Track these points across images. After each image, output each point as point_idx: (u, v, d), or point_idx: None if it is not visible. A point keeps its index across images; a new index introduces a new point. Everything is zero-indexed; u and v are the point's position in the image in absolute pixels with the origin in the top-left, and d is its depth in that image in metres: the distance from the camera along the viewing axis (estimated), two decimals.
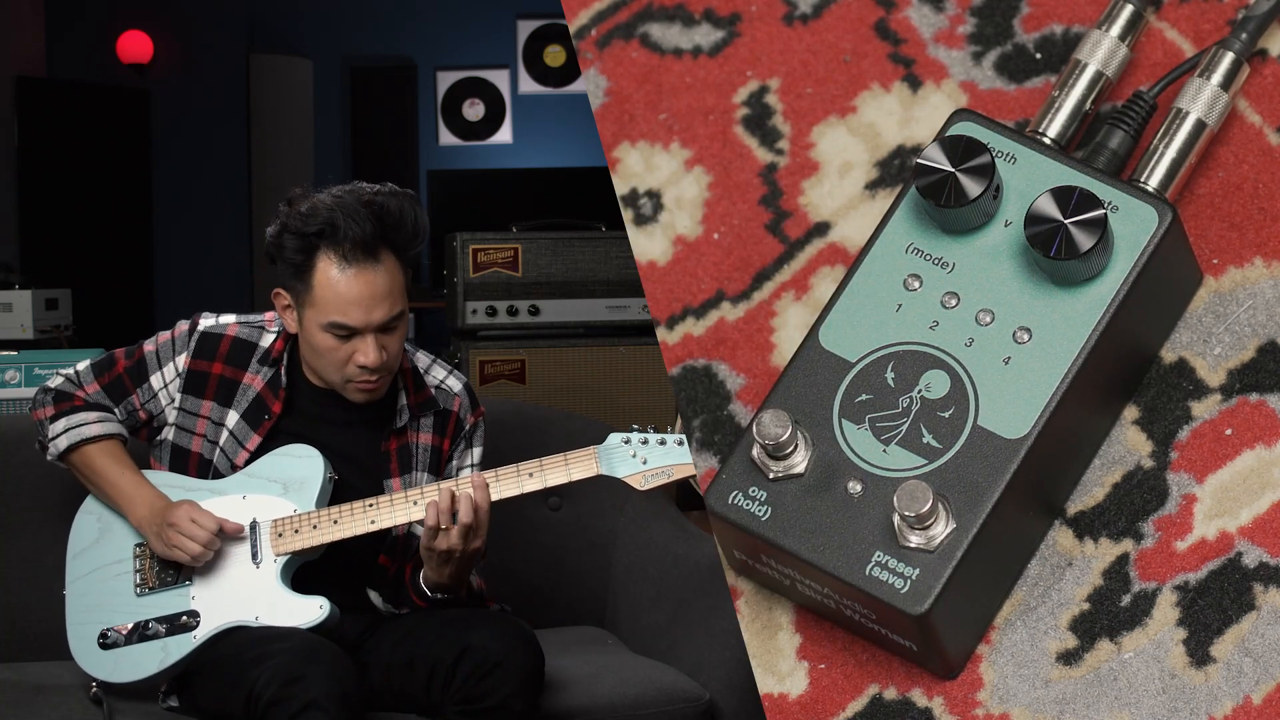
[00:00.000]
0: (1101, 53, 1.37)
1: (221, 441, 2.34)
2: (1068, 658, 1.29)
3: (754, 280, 1.43)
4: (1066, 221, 1.27)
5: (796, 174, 1.45)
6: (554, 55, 8.04)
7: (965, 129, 1.34)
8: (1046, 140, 1.36)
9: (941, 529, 1.24)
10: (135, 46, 7.69)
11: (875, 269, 1.33)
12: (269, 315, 2.40)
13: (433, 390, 2.41)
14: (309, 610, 2.24)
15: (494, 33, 8.04)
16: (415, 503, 2.24)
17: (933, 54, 1.46)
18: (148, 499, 2.29)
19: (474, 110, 8.06)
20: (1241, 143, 1.38)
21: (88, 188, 7.39)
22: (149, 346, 2.39)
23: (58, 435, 2.34)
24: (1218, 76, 1.34)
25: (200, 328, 2.38)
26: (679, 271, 1.44)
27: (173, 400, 2.36)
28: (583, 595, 2.84)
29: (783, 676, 1.34)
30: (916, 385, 1.29)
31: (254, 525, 2.28)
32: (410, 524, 2.30)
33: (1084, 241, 1.26)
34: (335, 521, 2.26)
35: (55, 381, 2.40)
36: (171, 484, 2.33)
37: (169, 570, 2.30)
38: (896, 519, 1.24)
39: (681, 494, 3.67)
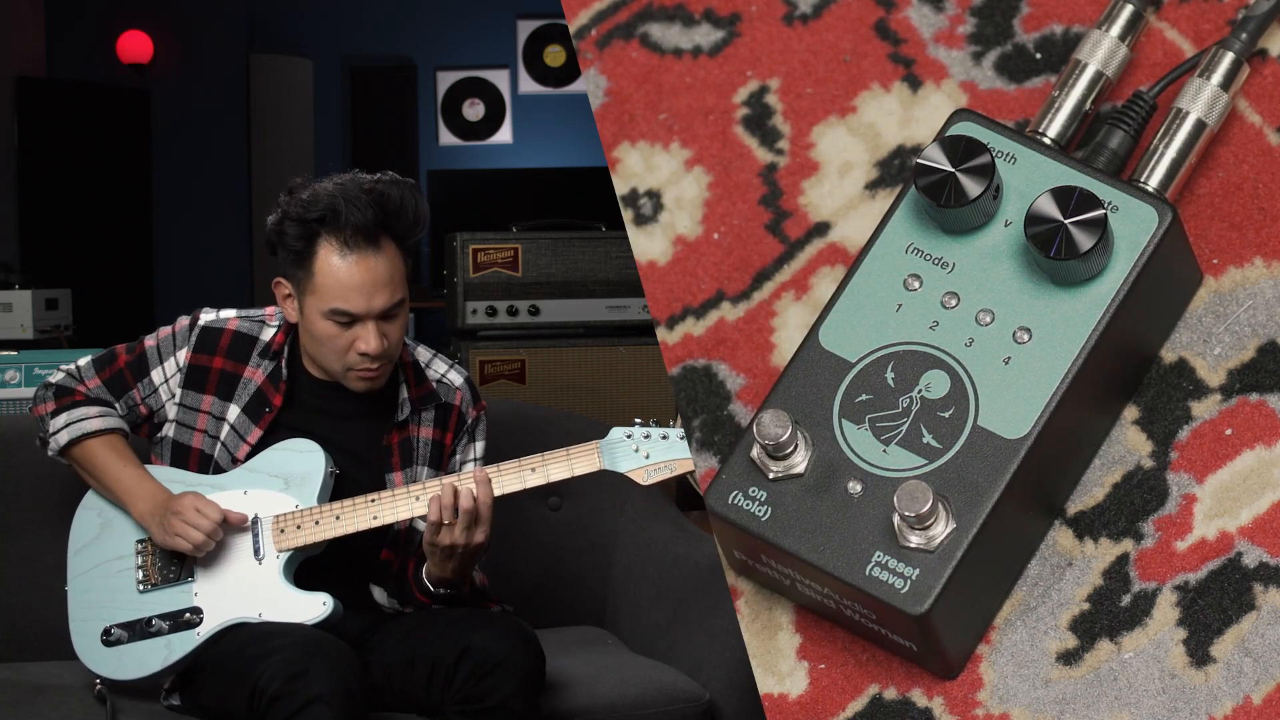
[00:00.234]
0: (1101, 53, 1.37)
1: (222, 436, 2.34)
2: (1068, 658, 1.29)
3: (754, 280, 1.43)
4: (1066, 221, 1.27)
5: (796, 174, 1.45)
6: (554, 55, 8.04)
7: (965, 129, 1.34)
8: (1046, 140, 1.36)
9: (941, 529, 1.24)
10: (135, 46, 7.69)
11: (875, 269, 1.33)
12: (269, 310, 2.40)
13: (434, 384, 2.41)
14: (312, 606, 2.25)
15: (494, 33, 8.04)
16: (417, 498, 2.25)
17: (933, 54, 1.46)
18: (150, 492, 2.30)
19: (474, 110, 8.06)
20: (1241, 143, 1.38)
21: (88, 188, 7.39)
22: (150, 341, 2.39)
23: (58, 430, 2.34)
24: (1218, 76, 1.34)
25: (201, 322, 2.38)
26: (679, 271, 1.44)
27: (173, 395, 2.36)
28: (583, 595, 2.84)
29: (783, 676, 1.34)
30: (916, 385, 1.29)
31: (256, 521, 2.28)
32: (412, 519, 2.30)
33: (1084, 241, 1.26)
34: (337, 517, 2.26)
35: (56, 377, 2.40)
36: (172, 479, 2.33)
37: (171, 567, 2.30)
38: (896, 519, 1.24)
39: (681, 494, 3.68)
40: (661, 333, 1.43)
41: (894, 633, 1.28)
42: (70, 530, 2.38)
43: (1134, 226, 1.29)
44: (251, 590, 2.26)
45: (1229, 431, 1.31)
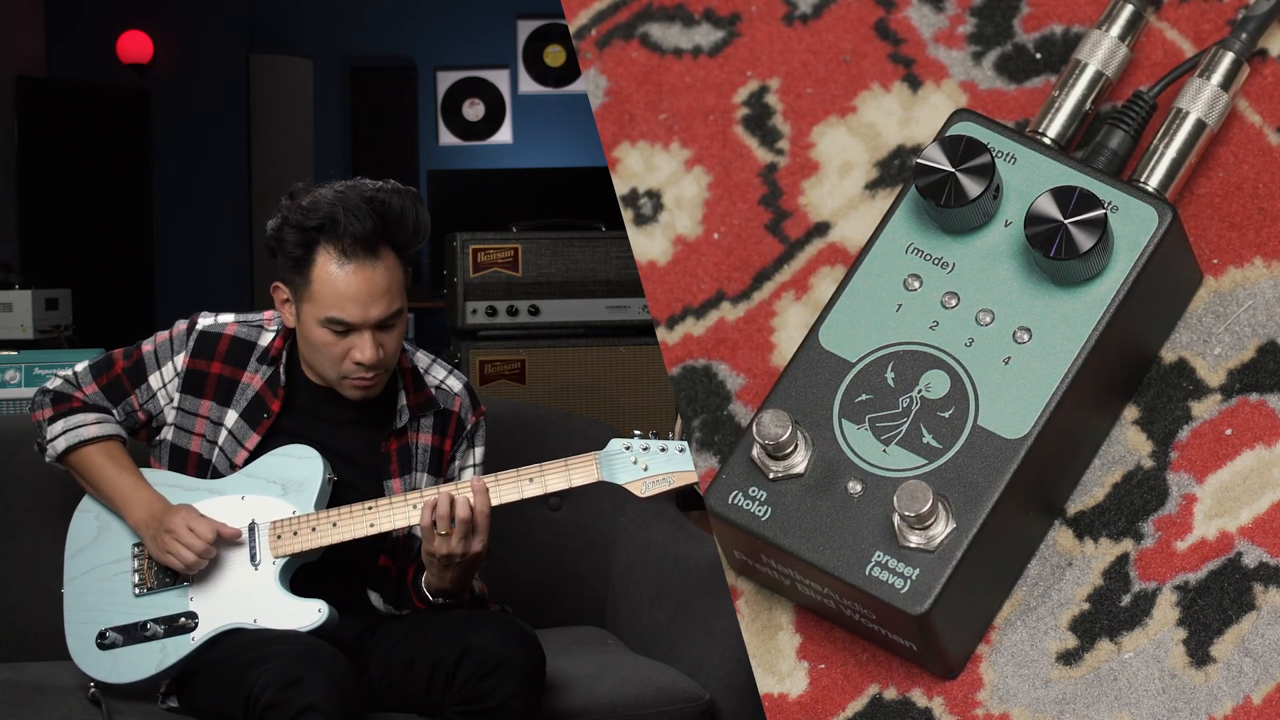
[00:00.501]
0: (1101, 53, 1.37)
1: (220, 441, 2.34)
2: (1068, 658, 1.29)
3: (754, 280, 1.43)
4: (1066, 221, 1.27)
5: (796, 174, 1.45)
6: (554, 55, 8.04)
7: (965, 129, 1.34)
8: (1046, 140, 1.36)
9: (941, 529, 1.24)
10: (135, 46, 7.69)
11: (875, 269, 1.33)
12: (268, 314, 2.40)
13: (433, 390, 2.40)
14: (307, 613, 2.24)
15: (494, 33, 8.04)
16: (415, 506, 2.24)
17: (933, 54, 1.46)
18: (146, 500, 2.29)
19: (474, 110, 8.06)
20: (1241, 143, 1.38)
21: (88, 188, 7.39)
22: (147, 347, 2.39)
23: (56, 437, 2.34)
24: (1218, 76, 1.34)
25: (199, 327, 2.37)
26: (679, 271, 1.44)
27: (171, 400, 2.35)
28: (583, 595, 2.84)
29: (783, 676, 1.34)
30: (916, 385, 1.29)
31: (252, 527, 2.28)
32: (410, 526, 2.30)
33: (1084, 241, 1.26)
34: (334, 524, 2.26)
35: (54, 383, 2.40)
36: (170, 484, 2.33)
37: (168, 571, 2.30)
38: (896, 519, 1.24)
39: (681, 493, 3.67)
40: (661, 333, 1.43)
41: (894, 633, 1.28)
42: (67, 533, 2.38)
43: (1134, 226, 1.29)
44: (247, 596, 2.26)
45: (1229, 431, 1.31)
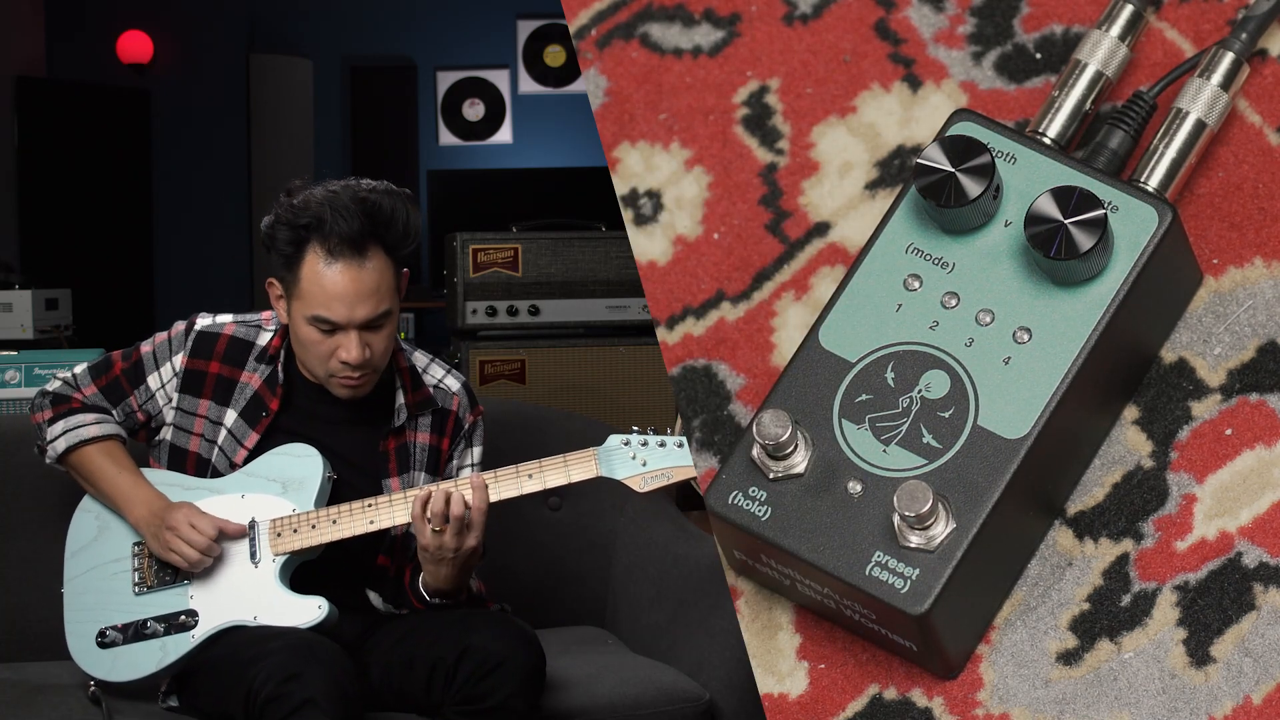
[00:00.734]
0: (1101, 53, 1.37)
1: (220, 440, 2.34)
2: (1068, 658, 1.29)
3: (754, 280, 1.43)
4: (1066, 221, 1.27)
5: (796, 174, 1.45)
6: (554, 55, 8.04)
7: (965, 129, 1.34)
8: (1046, 140, 1.36)
9: (941, 529, 1.24)
10: (135, 46, 7.69)
11: (875, 269, 1.33)
12: (266, 314, 2.40)
13: (431, 389, 2.40)
14: (307, 610, 2.24)
15: (494, 33, 8.04)
16: (412, 501, 2.25)
17: (933, 54, 1.46)
18: (146, 499, 2.29)
19: (474, 110, 8.06)
20: (1241, 143, 1.38)
21: (88, 188, 7.39)
22: (146, 348, 2.39)
23: (56, 438, 2.34)
24: (1218, 76, 1.34)
25: (197, 327, 2.38)
26: (679, 271, 1.44)
27: (170, 400, 2.36)
28: (583, 595, 2.84)
29: (783, 676, 1.34)
30: (916, 385, 1.29)
31: (252, 525, 2.28)
32: (409, 524, 2.30)
33: (1084, 241, 1.26)
34: (334, 522, 2.26)
35: (53, 385, 2.40)
36: (170, 483, 2.33)
37: (167, 569, 2.30)
38: (896, 519, 1.24)
39: (681, 494, 3.67)
40: (661, 333, 1.43)
41: (894, 633, 1.28)
42: (67, 532, 2.38)
43: (1134, 226, 1.29)
44: (247, 594, 2.26)
45: (1229, 431, 1.31)
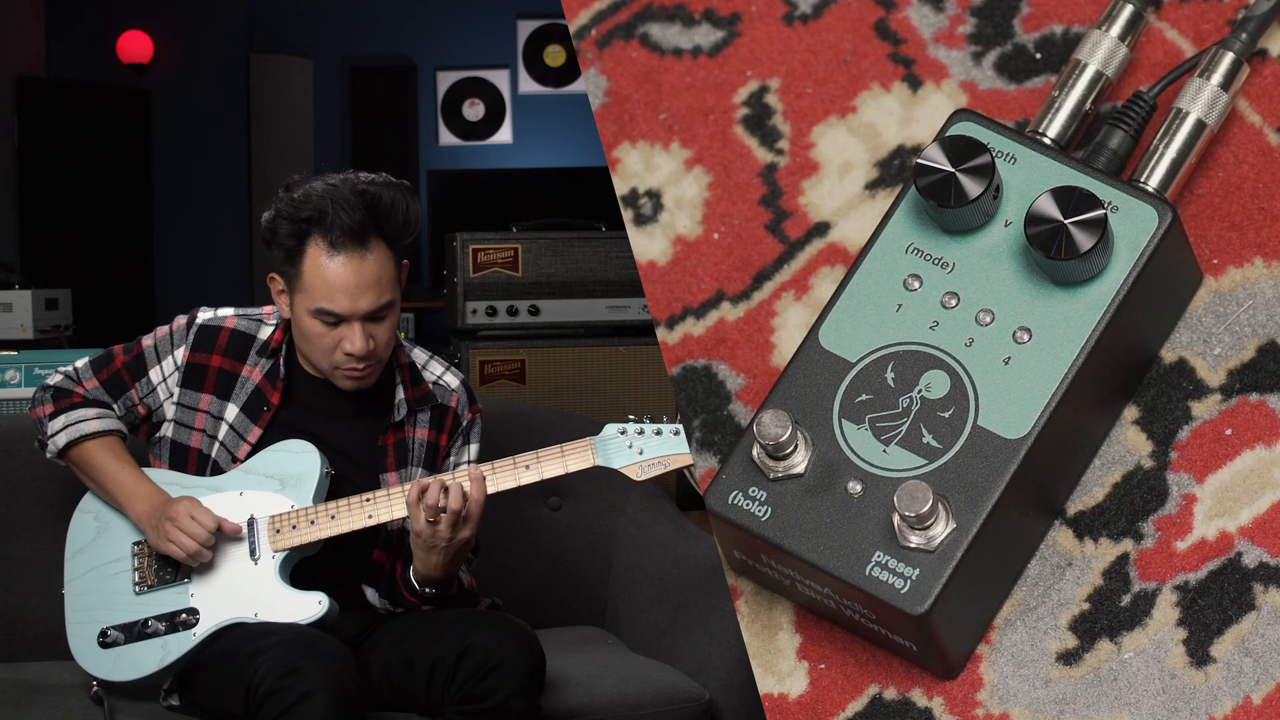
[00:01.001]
0: (1101, 53, 1.37)
1: (221, 435, 2.34)
2: (1068, 658, 1.29)
3: (754, 280, 1.43)
4: (1066, 221, 1.27)
5: (796, 174, 1.45)
6: (554, 55, 8.04)
7: (965, 129, 1.34)
8: (1046, 140, 1.36)
9: (941, 529, 1.24)
10: (135, 46, 7.69)
11: (875, 269, 1.33)
12: (267, 308, 2.40)
13: (430, 386, 2.41)
14: (308, 606, 2.25)
15: (494, 33, 8.04)
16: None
17: (933, 54, 1.46)
18: (147, 495, 2.30)
19: (474, 110, 8.06)
20: (1241, 143, 1.38)
21: (88, 188, 7.39)
22: (147, 341, 2.39)
23: (56, 432, 2.34)
24: (1218, 76, 1.34)
25: (199, 321, 2.38)
26: (679, 271, 1.44)
27: (171, 394, 2.36)
28: (583, 595, 2.84)
29: (783, 676, 1.34)
30: (916, 385, 1.29)
31: (251, 522, 2.28)
32: (406, 519, 2.30)
33: (1084, 241, 1.26)
34: (333, 517, 2.26)
35: (54, 379, 2.40)
36: (170, 481, 2.33)
37: (168, 568, 2.30)
38: (896, 519, 1.24)
39: (681, 493, 3.67)
40: (661, 333, 1.43)
41: (894, 633, 1.28)
42: (67, 533, 2.38)
43: (1134, 226, 1.29)
44: (247, 590, 2.26)
45: (1229, 431, 1.31)
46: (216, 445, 2.34)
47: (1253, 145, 1.37)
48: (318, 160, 7.65)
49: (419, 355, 2.45)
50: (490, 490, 2.25)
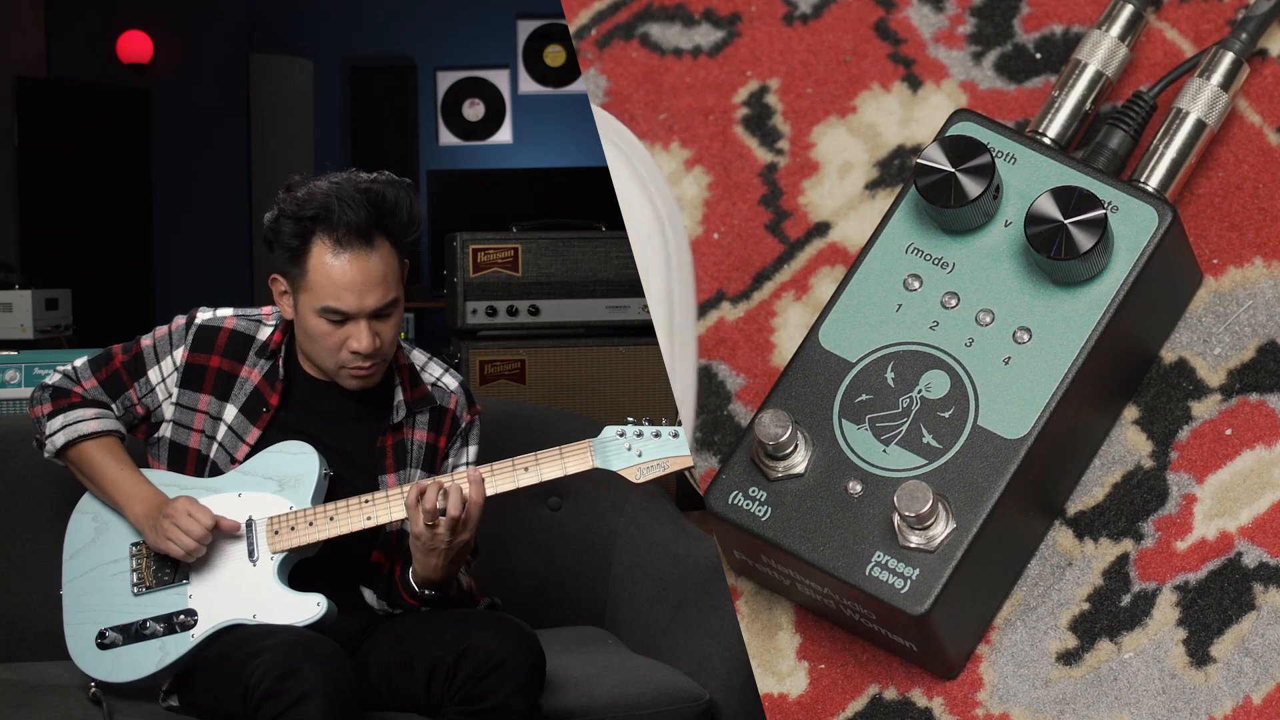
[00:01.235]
0: (1101, 53, 1.37)
1: (220, 436, 2.34)
2: (1068, 658, 1.29)
3: (754, 280, 1.43)
4: (1066, 222, 1.27)
5: (796, 174, 1.45)
6: (554, 55, 8.04)
7: (965, 129, 1.34)
8: (1046, 140, 1.36)
9: (941, 529, 1.24)
10: (135, 46, 7.69)
11: (875, 269, 1.33)
12: (266, 309, 2.40)
13: (429, 387, 2.41)
14: (306, 607, 2.24)
15: (494, 33, 8.04)
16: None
17: (933, 54, 1.46)
18: (145, 495, 2.29)
19: (474, 110, 8.06)
20: (1241, 143, 1.38)
21: (88, 188, 7.39)
22: (146, 341, 2.39)
23: (55, 432, 2.34)
24: (1218, 76, 1.34)
25: (198, 321, 2.38)
26: None
27: (170, 395, 2.36)
28: (583, 595, 2.84)
29: (783, 676, 1.34)
30: (916, 385, 1.29)
31: (250, 523, 2.28)
32: (404, 520, 2.30)
33: (1084, 242, 1.26)
34: (331, 518, 2.26)
35: (53, 378, 2.40)
36: (168, 482, 2.33)
37: (166, 569, 2.30)
38: (896, 519, 1.24)
39: (681, 493, 3.67)
40: None
41: (894, 633, 1.28)
42: (65, 535, 2.38)
43: (1134, 226, 1.29)
44: (246, 592, 2.26)
45: (1229, 431, 1.31)
46: (215, 446, 2.34)
47: (1253, 145, 1.37)
48: (318, 160, 7.64)
49: (418, 356, 2.45)
50: (489, 492, 2.25)
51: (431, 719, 2.24)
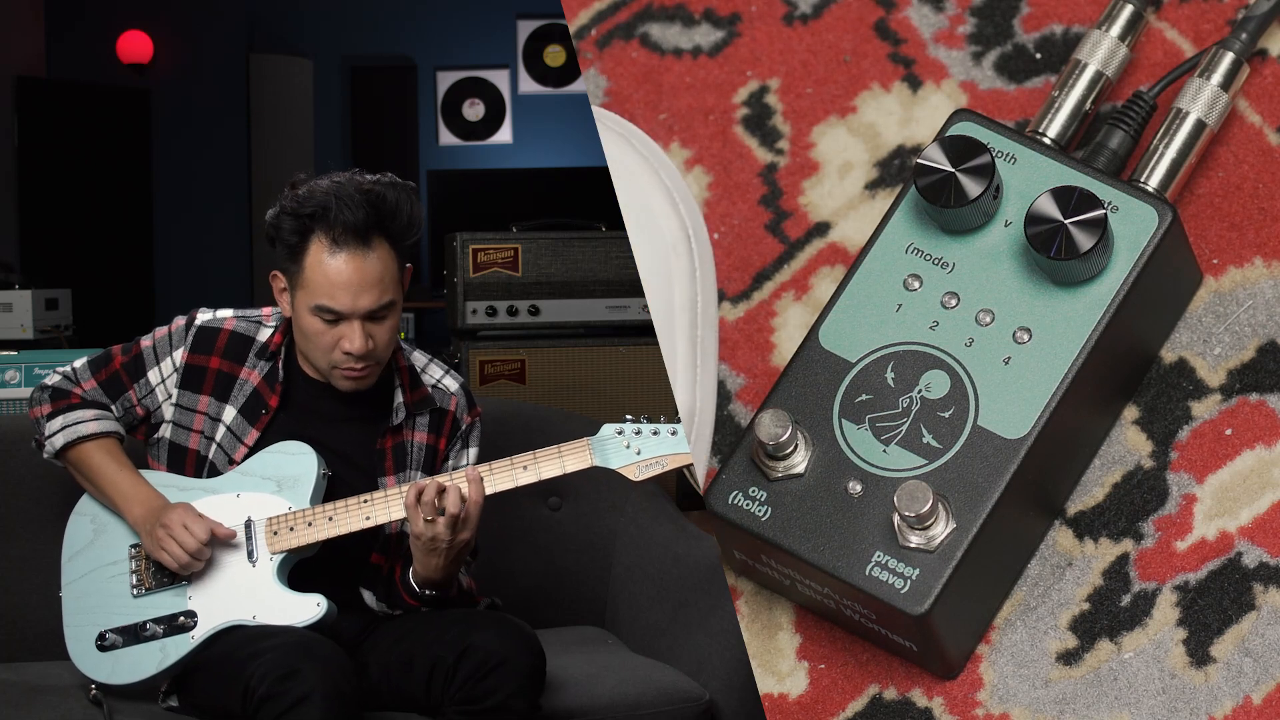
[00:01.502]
0: (1101, 53, 1.37)
1: (219, 437, 2.34)
2: (1068, 658, 1.29)
3: (754, 280, 1.43)
4: (1066, 222, 1.27)
5: (796, 174, 1.45)
6: (554, 55, 8.04)
7: (965, 129, 1.34)
8: (1046, 140, 1.36)
9: (941, 529, 1.24)
10: (135, 46, 7.69)
11: (875, 269, 1.33)
12: (266, 310, 2.40)
13: (429, 389, 2.40)
14: (306, 608, 2.24)
15: (494, 33, 8.04)
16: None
17: (933, 54, 1.46)
18: (144, 498, 2.29)
19: (474, 110, 8.06)
20: (1241, 143, 1.38)
21: (88, 188, 7.39)
22: (146, 342, 2.39)
23: (54, 433, 2.34)
24: (1218, 76, 1.34)
25: (197, 322, 2.38)
26: None
27: (170, 396, 2.35)
28: (583, 595, 2.84)
29: (783, 676, 1.34)
30: (916, 385, 1.29)
31: (249, 524, 2.28)
32: (404, 521, 2.30)
33: (1084, 242, 1.26)
34: (330, 518, 2.26)
35: (52, 379, 2.40)
36: (167, 483, 2.33)
37: (165, 570, 2.30)
38: (896, 519, 1.24)
39: (681, 493, 3.67)
40: None
41: (894, 633, 1.28)
42: (64, 536, 2.38)
43: (1134, 226, 1.29)
44: (245, 593, 2.26)
45: (1229, 431, 1.31)
46: (214, 447, 2.34)
47: (1253, 145, 1.37)
48: (318, 160, 7.64)
49: (418, 358, 2.44)
50: (488, 491, 2.25)
51: (432, 719, 2.24)
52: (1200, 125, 1.34)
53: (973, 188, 1.29)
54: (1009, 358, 1.28)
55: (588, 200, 5.69)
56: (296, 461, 2.29)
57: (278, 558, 2.27)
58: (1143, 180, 1.33)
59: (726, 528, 1.30)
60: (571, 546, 2.84)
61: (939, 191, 1.30)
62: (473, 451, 2.43)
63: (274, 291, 2.32)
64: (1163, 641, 1.28)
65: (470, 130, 8.08)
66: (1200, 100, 1.34)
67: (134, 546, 2.33)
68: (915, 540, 1.24)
